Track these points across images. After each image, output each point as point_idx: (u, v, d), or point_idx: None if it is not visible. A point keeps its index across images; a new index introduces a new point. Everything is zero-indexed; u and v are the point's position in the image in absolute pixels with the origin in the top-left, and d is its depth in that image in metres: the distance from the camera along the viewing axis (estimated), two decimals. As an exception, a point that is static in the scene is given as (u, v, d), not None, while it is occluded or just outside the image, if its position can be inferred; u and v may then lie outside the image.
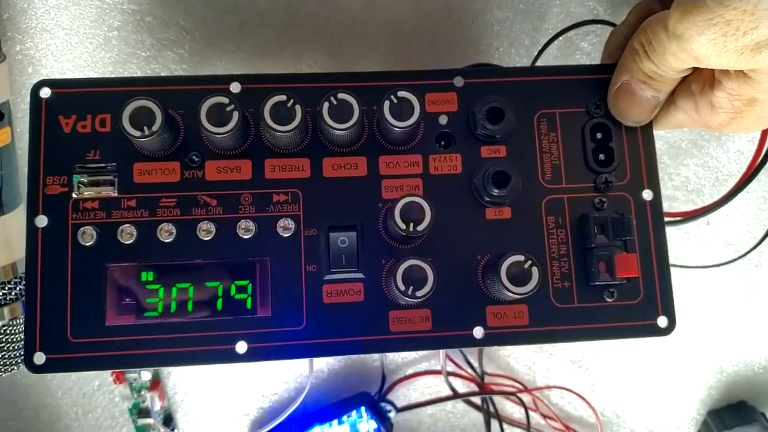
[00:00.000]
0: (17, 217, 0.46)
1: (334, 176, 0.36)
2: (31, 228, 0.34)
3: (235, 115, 0.33)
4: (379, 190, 0.36)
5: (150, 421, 0.55)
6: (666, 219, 0.44)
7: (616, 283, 0.36)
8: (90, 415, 0.55)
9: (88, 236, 0.34)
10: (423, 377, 0.56)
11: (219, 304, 0.35)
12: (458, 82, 0.37)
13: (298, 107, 0.33)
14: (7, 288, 0.45)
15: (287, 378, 0.56)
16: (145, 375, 0.54)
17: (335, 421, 0.52)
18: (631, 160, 0.37)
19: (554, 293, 0.36)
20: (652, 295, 0.36)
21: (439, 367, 0.54)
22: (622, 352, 0.57)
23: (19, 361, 0.46)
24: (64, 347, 0.34)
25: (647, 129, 0.37)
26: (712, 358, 0.57)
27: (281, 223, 0.35)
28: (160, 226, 0.35)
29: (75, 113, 0.36)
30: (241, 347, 0.35)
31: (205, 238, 0.35)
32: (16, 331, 0.46)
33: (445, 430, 0.57)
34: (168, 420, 0.56)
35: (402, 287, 0.33)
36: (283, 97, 0.33)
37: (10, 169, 0.47)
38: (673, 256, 0.55)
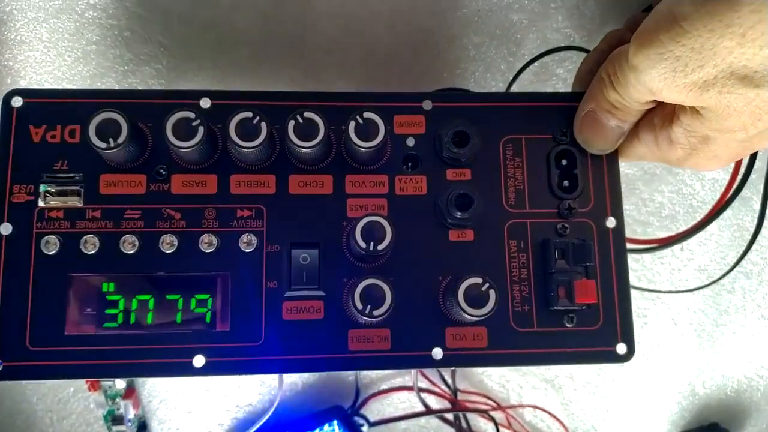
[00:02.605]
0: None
1: (299, 193, 0.37)
2: (-5, 235, 0.35)
3: (201, 129, 0.33)
4: (344, 208, 0.37)
5: (124, 428, 0.55)
6: (641, 246, 0.45)
7: (575, 308, 0.36)
8: (65, 422, 0.55)
9: (51, 245, 0.34)
10: (397, 392, 0.56)
11: (178, 317, 0.35)
12: (427, 105, 0.38)
13: (263, 124, 0.34)
14: None
15: (261, 390, 0.56)
16: (120, 383, 0.54)
17: None
18: (596, 187, 0.38)
19: (514, 317, 0.36)
20: (612, 321, 0.37)
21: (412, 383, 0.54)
22: (595, 373, 0.57)
23: None
24: (22, 355, 0.34)
25: (612, 157, 0.38)
26: (685, 381, 0.58)
27: (244, 238, 0.36)
28: (124, 237, 0.35)
29: (45, 123, 0.36)
30: (199, 361, 0.35)
31: (168, 251, 0.35)
32: None
33: None
34: (142, 428, 0.56)
35: (360, 306, 0.33)
36: (249, 114, 0.34)
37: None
38: (647, 281, 0.55)
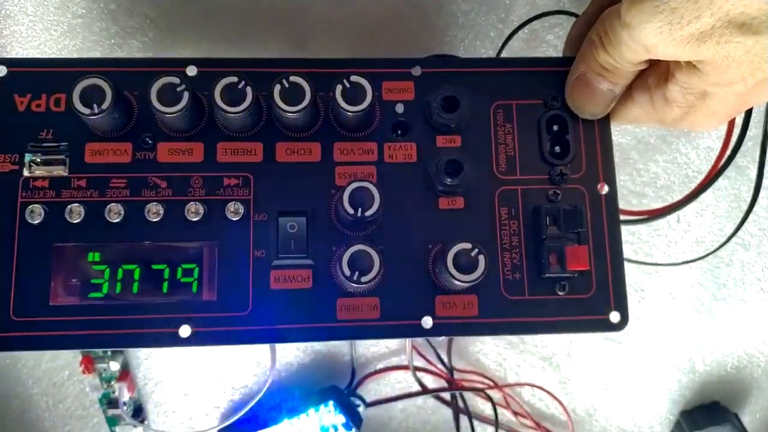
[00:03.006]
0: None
1: (287, 161, 0.36)
2: (-21, 205, 0.34)
3: (186, 95, 0.33)
4: (332, 176, 0.36)
5: (120, 411, 0.55)
6: (635, 217, 0.44)
7: (567, 275, 0.35)
8: (60, 405, 0.55)
9: (36, 215, 0.34)
10: (393, 372, 0.56)
11: (164, 287, 0.35)
12: (416, 71, 0.37)
13: (249, 89, 0.33)
14: None
15: (257, 371, 0.55)
16: (114, 365, 0.54)
17: (303, 415, 0.52)
18: (588, 153, 0.37)
19: (505, 285, 0.36)
20: (605, 289, 0.36)
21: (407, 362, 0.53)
22: (593, 350, 0.57)
23: None
24: (6, 326, 0.33)
25: (604, 122, 0.37)
26: (685, 357, 0.57)
27: (231, 207, 0.35)
28: (109, 206, 0.34)
29: (30, 92, 0.36)
30: (185, 331, 0.34)
31: (154, 220, 0.35)
32: None
33: (416, 426, 0.56)
34: (138, 411, 0.56)
35: (347, 272, 0.32)
36: (234, 79, 0.33)
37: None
38: (644, 254, 0.55)
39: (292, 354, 0.55)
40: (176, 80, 0.33)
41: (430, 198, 0.36)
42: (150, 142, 0.36)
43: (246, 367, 0.55)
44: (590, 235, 0.36)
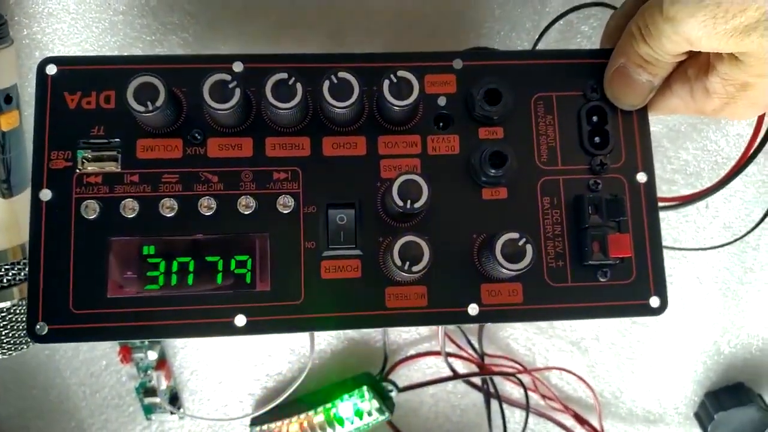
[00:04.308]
0: (26, 198, 0.47)
1: (333, 155, 0.37)
2: (35, 201, 0.35)
3: (237, 92, 0.34)
4: (378, 169, 0.37)
5: (156, 400, 0.56)
6: (665, 204, 0.45)
7: (609, 262, 0.36)
8: (98, 395, 0.57)
9: (91, 210, 0.35)
10: (424, 358, 0.57)
11: (219, 278, 0.36)
12: (457, 64, 0.38)
13: (299, 85, 0.34)
14: (16, 269, 0.46)
15: (291, 358, 0.56)
16: (152, 355, 0.55)
17: (337, 401, 0.53)
18: (627, 143, 0.38)
19: (548, 272, 0.37)
20: (645, 275, 0.37)
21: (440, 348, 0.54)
22: (620, 334, 0.58)
23: (29, 340, 0.47)
24: (66, 318, 0.34)
25: (643, 113, 0.38)
26: (710, 340, 0.58)
27: (281, 200, 0.36)
28: (162, 201, 0.35)
29: (80, 90, 0.36)
30: (240, 320, 0.35)
31: (206, 214, 0.35)
32: (25, 311, 0.46)
33: (446, 411, 0.57)
34: (174, 399, 0.57)
35: (399, 262, 0.33)
36: (285, 75, 0.34)
37: (18, 151, 0.47)
38: (672, 239, 0.56)
39: (325, 341, 0.56)
40: (228, 77, 0.34)
41: (474, 189, 0.37)
42: (199, 137, 0.36)
43: (280, 355, 0.56)
44: (630, 222, 0.37)
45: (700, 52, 0.33)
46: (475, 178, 0.37)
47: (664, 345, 0.58)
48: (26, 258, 0.46)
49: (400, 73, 0.34)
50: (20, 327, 0.47)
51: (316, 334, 0.57)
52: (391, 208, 0.35)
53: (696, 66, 0.35)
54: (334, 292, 0.36)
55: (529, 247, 0.34)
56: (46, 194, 0.35)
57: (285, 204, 0.36)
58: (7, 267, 0.45)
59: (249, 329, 0.35)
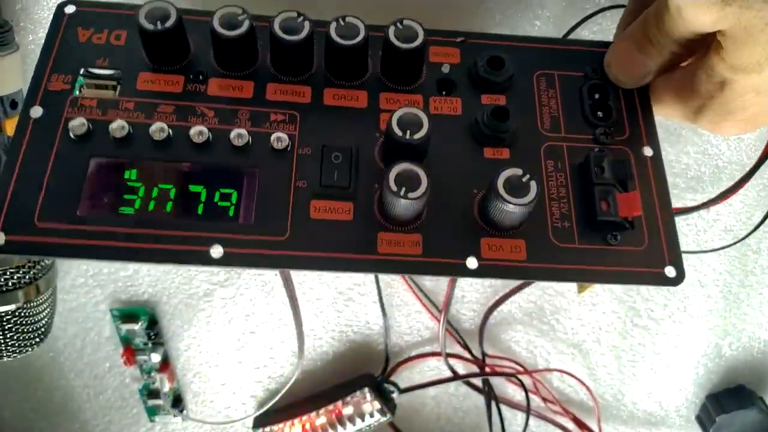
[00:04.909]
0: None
1: (333, 105, 0.36)
2: (24, 117, 0.34)
3: (246, 22, 0.34)
4: (377, 121, 0.36)
5: (160, 401, 0.55)
6: (680, 211, 0.44)
7: (618, 222, 0.34)
8: (101, 396, 0.56)
9: (78, 127, 0.34)
10: (426, 359, 0.56)
11: (200, 209, 0.33)
12: (461, 40, 0.39)
13: (307, 23, 0.35)
14: (21, 272, 0.46)
15: (293, 360, 0.55)
16: (155, 357, 0.54)
17: (339, 402, 0.52)
18: (630, 119, 0.38)
19: (553, 232, 0.34)
20: (658, 245, 0.34)
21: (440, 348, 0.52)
22: (621, 337, 0.57)
23: (34, 342, 0.47)
24: (29, 231, 0.32)
25: (644, 92, 0.38)
26: (711, 343, 0.57)
27: (275, 137, 0.35)
28: (154, 125, 0.34)
29: (93, 27, 0.37)
30: (217, 251, 0.32)
31: (197, 141, 0.34)
32: (31, 313, 0.47)
33: (448, 412, 0.57)
34: (177, 401, 0.57)
35: (394, 188, 0.31)
36: (294, 14, 0.35)
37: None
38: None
39: (327, 343, 0.55)
40: (238, 10, 0.35)
41: (475, 147, 0.36)
42: (202, 77, 0.36)
43: (282, 357, 0.55)
44: (638, 187, 0.35)
45: (700, 56, 0.33)
46: (478, 137, 0.36)
47: (665, 348, 0.57)
48: (31, 262, 0.46)
49: (406, 21, 0.35)
50: (26, 330, 0.47)
51: (317, 336, 0.56)
52: (389, 146, 0.33)
53: (692, 67, 0.35)
54: (322, 232, 0.33)
55: (533, 183, 0.32)
56: (36, 111, 0.34)
57: (280, 141, 0.35)
58: (12, 270, 0.45)
59: (225, 261, 0.32)
